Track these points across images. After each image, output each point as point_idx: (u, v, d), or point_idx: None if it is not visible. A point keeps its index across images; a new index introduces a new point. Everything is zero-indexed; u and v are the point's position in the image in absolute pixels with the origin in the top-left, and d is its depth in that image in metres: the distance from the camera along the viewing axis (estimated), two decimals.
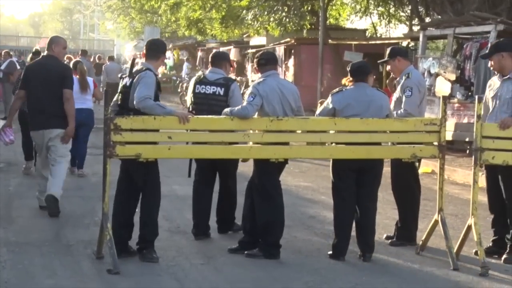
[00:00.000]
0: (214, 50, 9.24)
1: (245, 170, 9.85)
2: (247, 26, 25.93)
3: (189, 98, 8.51)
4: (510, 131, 7.47)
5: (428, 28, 18.48)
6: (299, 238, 8.53)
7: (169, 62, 39.78)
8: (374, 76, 8.05)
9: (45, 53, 9.91)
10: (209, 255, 7.63)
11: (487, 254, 7.55)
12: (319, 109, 7.90)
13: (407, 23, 27.41)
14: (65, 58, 13.00)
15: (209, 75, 8.41)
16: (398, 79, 8.46)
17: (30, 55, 13.62)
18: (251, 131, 7.47)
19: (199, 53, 36.39)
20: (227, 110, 7.51)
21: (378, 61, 9.00)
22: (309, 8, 23.90)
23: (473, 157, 7.54)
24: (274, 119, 7.35)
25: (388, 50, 8.61)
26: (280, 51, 25.32)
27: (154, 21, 42.88)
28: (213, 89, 8.24)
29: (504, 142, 7.50)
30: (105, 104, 7.10)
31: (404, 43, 23.39)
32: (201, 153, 7.64)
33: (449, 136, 14.97)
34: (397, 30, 30.51)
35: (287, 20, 22.78)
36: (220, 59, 8.59)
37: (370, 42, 23.10)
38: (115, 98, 7.50)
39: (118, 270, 6.83)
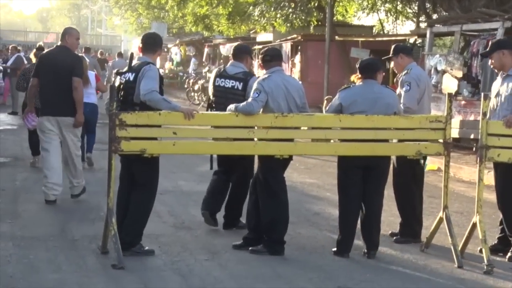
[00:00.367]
0: (236, 43, 9.22)
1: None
2: (253, 22, 25.93)
3: (210, 90, 8.55)
4: None
5: (435, 25, 18.44)
6: (304, 234, 8.53)
7: (176, 57, 39.79)
8: (384, 73, 8.02)
9: (59, 43, 10.10)
10: (214, 251, 7.63)
11: (492, 252, 7.53)
12: (326, 106, 7.90)
13: (414, 20, 27.36)
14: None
15: (229, 68, 8.47)
16: (399, 75, 8.47)
17: (34, 50, 13.65)
18: (256, 128, 7.46)
19: (206, 49, 36.38)
20: (231, 106, 7.51)
21: (383, 58, 9.00)
22: (316, 5, 23.86)
23: (478, 154, 7.53)
24: (279, 116, 7.35)
25: (392, 47, 8.61)
26: (286, 47, 25.30)
27: (161, 17, 42.89)
28: (232, 83, 8.30)
29: (510, 140, 7.48)
30: (111, 99, 7.11)
31: (411, 40, 23.36)
32: (206, 149, 7.65)
33: (455, 133, 14.84)
34: (404, 27, 30.45)
35: (294, 16, 22.74)
36: (242, 53, 8.59)
37: (377, 39, 23.06)
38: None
39: (122, 265, 6.85)
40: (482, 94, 7.61)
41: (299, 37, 24.04)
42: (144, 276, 6.76)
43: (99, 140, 13.30)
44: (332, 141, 7.63)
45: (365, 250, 7.65)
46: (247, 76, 8.29)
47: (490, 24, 15.96)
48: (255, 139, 7.47)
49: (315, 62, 23.53)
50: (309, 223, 9.15)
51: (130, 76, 7.35)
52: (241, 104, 7.42)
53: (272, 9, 23.07)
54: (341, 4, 28.54)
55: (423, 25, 24.39)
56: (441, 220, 7.69)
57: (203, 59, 36.48)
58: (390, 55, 8.56)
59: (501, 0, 19.32)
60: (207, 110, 8.54)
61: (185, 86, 30.95)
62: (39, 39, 76.76)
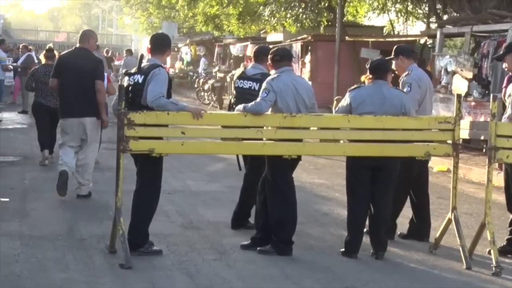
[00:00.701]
0: (258, 45, 9.29)
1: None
2: (264, 22, 25.93)
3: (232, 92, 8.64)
4: None
5: (446, 26, 18.40)
6: (312, 235, 8.52)
7: (187, 57, 39.82)
8: (393, 75, 8.01)
9: (78, 45, 10.25)
10: (222, 251, 7.63)
11: (500, 254, 7.51)
12: (336, 107, 7.88)
13: (425, 20, 27.29)
14: None
15: (249, 70, 8.58)
16: (400, 77, 8.48)
17: (44, 52, 13.73)
18: (264, 128, 7.46)
19: (216, 49, 36.41)
20: (240, 106, 7.51)
21: (385, 58, 8.99)
22: (326, 5, 23.84)
23: (487, 156, 7.50)
24: (288, 116, 7.34)
25: (393, 49, 8.63)
26: (296, 47, 25.27)
27: (171, 17, 42.97)
28: (250, 84, 8.40)
29: None
30: (119, 98, 7.11)
31: (422, 41, 23.33)
32: (214, 149, 7.65)
33: (465, 134, 14.91)
34: (415, 28, 30.40)
35: (304, 16, 22.72)
36: (262, 55, 8.60)
37: (387, 40, 23.01)
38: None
39: (130, 265, 6.85)
40: (492, 95, 7.58)
41: (309, 37, 24.01)
42: (151, 275, 6.76)
43: (108, 140, 13.32)
44: (341, 141, 7.62)
45: (373, 251, 7.63)
46: (264, 77, 8.29)
47: (500, 25, 15.92)
48: (264, 139, 7.46)
49: (325, 62, 23.49)
50: (318, 223, 9.13)
51: (139, 78, 7.32)
52: (250, 104, 7.41)
53: (282, 9, 23.06)
54: (351, 4, 28.50)
55: (433, 26, 24.30)
56: (449, 221, 7.66)
57: (214, 59, 36.50)
58: (393, 56, 8.55)
59: None
60: (228, 111, 8.65)
61: (195, 85, 30.97)
62: (50, 38, 77.05)
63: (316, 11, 22.69)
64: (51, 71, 12.31)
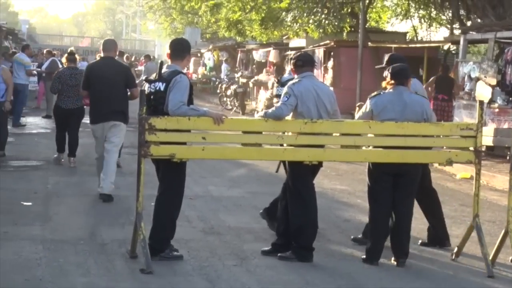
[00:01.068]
0: (299, 53, 9.33)
1: (281, 172, 9.84)
2: (286, 27, 25.91)
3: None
4: None
5: (469, 32, 18.30)
6: (333, 241, 8.50)
7: (209, 63, 39.89)
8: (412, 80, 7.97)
9: (102, 54, 10.75)
10: (242, 257, 7.63)
11: None
12: (357, 113, 7.86)
13: (448, 26, 27.17)
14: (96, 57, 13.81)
15: (285, 76, 8.68)
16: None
17: (66, 55, 13.98)
18: (285, 133, 7.45)
19: (239, 54, 36.45)
20: (261, 112, 7.52)
21: (376, 67, 8.97)
22: (349, 11, 23.80)
23: (510, 162, 7.45)
24: (308, 122, 7.33)
25: (386, 57, 8.61)
26: (319, 53, 25.25)
27: (194, 22, 43.07)
28: (281, 90, 8.43)
29: None
30: (140, 103, 7.13)
31: (445, 47, 23.22)
32: (235, 154, 7.65)
33: (489, 141, 14.82)
34: (438, 34, 30.25)
35: (327, 22, 22.67)
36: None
37: (410, 45, 22.92)
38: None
39: (151, 270, 6.86)
40: None
41: (332, 43, 23.98)
42: (172, 281, 6.77)
43: (130, 144, 13.38)
44: (363, 147, 7.59)
45: (395, 258, 7.59)
46: None
47: None
48: (284, 145, 7.46)
49: (347, 68, 23.44)
50: (339, 230, 9.11)
51: (161, 86, 7.32)
52: (270, 110, 7.42)
53: (305, 15, 23.01)
54: (374, 10, 28.43)
55: (457, 32, 24.21)
56: (472, 228, 7.61)
57: (236, 64, 36.55)
58: (384, 65, 8.51)
59: None
60: None
61: (218, 91, 31.04)
62: (74, 43, 77.63)
63: (339, 17, 22.62)
64: (75, 73, 12.92)
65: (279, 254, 7.58)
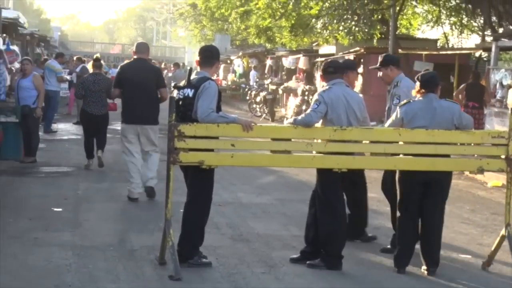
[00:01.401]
0: (345, 59, 9.33)
1: (310, 179, 9.82)
2: (316, 34, 25.86)
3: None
4: None
5: (501, 39, 18.13)
6: (362, 249, 8.44)
7: (239, 69, 39.96)
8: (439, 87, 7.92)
9: (135, 56, 10.94)
10: (271, 264, 7.60)
11: None
12: (387, 121, 7.82)
13: (480, 33, 26.95)
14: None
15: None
16: (389, 88, 8.48)
17: (92, 61, 14.23)
18: (314, 140, 7.43)
19: (268, 61, 36.46)
20: (290, 119, 7.51)
21: (370, 67, 8.93)
22: (379, 17, 23.69)
23: None
24: (338, 129, 7.30)
25: (380, 58, 8.61)
26: None
27: (224, 29, 43.18)
28: None
29: None
30: (170, 110, 7.14)
31: (477, 54, 23.03)
32: (264, 161, 7.63)
33: None
34: (469, 41, 30.01)
35: (357, 29, 22.58)
36: (343, 69, 8.66)
37: (441, 52, 22.77)
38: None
39: (179, 277, 6.85)
40: None
41: (362, 50, 23.89)
42: None
43: (159, 150, 13.39)
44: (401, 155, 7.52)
45: (425, 267, 7.53)
46: None
47: None
48: (313, 152, 7.43)
49: (377, 75, 23.31)
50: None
51: (189, 92, 7.35)
52: (300, 116, 7.40)
53: (335, 21, 22.94)
54: (405, 17, 28.28)
55: (488, 39, 23.99)
56: (503, 238, 7.53)
57: (265, 71, 36.56)
58: (379, 66, 8.48)
59: None
60: None
61: (247, 98, 31.06)
62: (106, 50, 78.16)
63: (369, 23, 22.50)
64: (99, 79, 13.33)
65: (308, 262, 7.55)
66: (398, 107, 7.67)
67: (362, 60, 24.41)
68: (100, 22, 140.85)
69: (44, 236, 8.36)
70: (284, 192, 12.03)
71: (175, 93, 7.48)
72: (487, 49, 20.14)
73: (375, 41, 23.75)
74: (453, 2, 24.81)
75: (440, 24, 28.19)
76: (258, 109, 28.45)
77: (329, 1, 22.86)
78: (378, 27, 23.25)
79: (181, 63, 45.08)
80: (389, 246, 8.27)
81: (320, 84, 25.48)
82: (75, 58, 24.77)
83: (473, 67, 22.09)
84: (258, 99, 28.42)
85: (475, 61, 23.60)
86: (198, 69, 7.60)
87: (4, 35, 17.92)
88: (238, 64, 40.47)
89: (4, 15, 19.70)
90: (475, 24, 27.00)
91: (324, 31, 24.17)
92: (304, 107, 22.83)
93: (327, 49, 27.93)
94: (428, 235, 7.57)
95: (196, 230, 7.39)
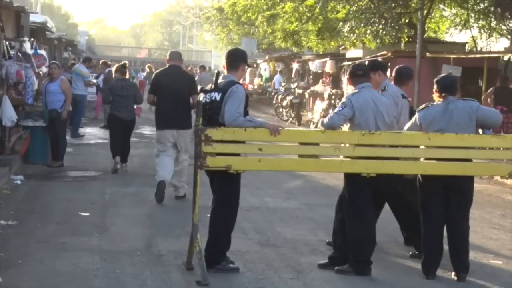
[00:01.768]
0: (398, 66, 9.30)
1: (338, 183, 9.74)
2: (343, 38, 25.73)
3: None
4: None
5: None
6: (391, 254, 8.37)
7: (265, 73, 39.91)
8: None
9: (169, 63, 11.27)
10: (299, 270, 7.54)
11: None
12: (406, 125, 7.74)
13: (509, 37, 26.68)
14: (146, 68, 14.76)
15: (391, 84, 8.65)
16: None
17: (117, 66, 14.37)
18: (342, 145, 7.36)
19: (295, 65, 36.39)
20: (319, 123, 7.46)
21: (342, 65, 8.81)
22: (407, 21, 23.53)
23: None
24: (366, 133, 7.23)
25: (368, 63, 8.61)
26: None
27: (251, 33, 43.12)
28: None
29: None
30: (197, 114, 7.11)
31: (505, 57, 22.80)
32: (291, 166, 7.56)
33: None
34: (498, 44, 29.70)
35: (384, 32, 22.45)
36: (403, 77, 8.76)
37: (469, 56, 22.58)
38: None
39: (207, 282, 6.81)
40: None
41: (389, 54, 23.75)
42: None
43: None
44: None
45: (455, 273, 7.43)
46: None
47: None
48: (341, 156, 7.36)
49: None
50: (397, 242, 8.94)
51: (217, 95, 7.31)
52: (325, 119, 7.36)
53: (362, 25, 22.81)
54: (433, 20, 28.07)
55: None
56: None
57: (292, 75, 36.48)
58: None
59: None
60: None
61: (274, 102, 31.00)
62: (132, 54, 78.50)
63: (397, 27, 22.37)
64: (127, 85, 13.71)
65: (336, 268, 7.48)
66: (416, 112, 7.62)
67: (389, 64, 24.27)
68: (127, 26, 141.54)
69: (72, 241, 8.36)
70: (311, 196, 11.96)
71: (201, 96, 7.44)
72: None
73: (402, 44, 23.61)
74: (482, 6, 24.56)
75: (468, 28, 27.94)
76: (284, 113, 28.39)
77: (356, 5, 22.75)
78: (406, 30, 23.10)
79: (207, 67, 45.17)
80: (417, 252, 8.17)
81: (347, 88, 25.42)
82: (100, 62, 24.89)
83: (502, 71, 21.87)
84: (284, 103, 28.35)
85: (504, 64, 23.36)
86: (225, 72, 7.56)
87: (32, 39, 18.02)
88: (265, 68, 40.42)
89: (32, 20, 19.82)
90: (504, 27, 26.74)
91: (351, 34, 24.04)
92: (330, 111, 22.72)
93: (354, 52, 27.81)
94: (455, 242, 7.48)
95: (223, 235, 7.34)
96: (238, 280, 7.12)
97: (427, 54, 22.68)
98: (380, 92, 8.23)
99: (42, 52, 18.72)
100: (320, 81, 29.61)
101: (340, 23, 24.84)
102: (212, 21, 48.53)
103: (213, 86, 7.40)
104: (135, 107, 13.98)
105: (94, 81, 22.35)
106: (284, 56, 38.13)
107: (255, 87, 39.25)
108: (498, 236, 9.59)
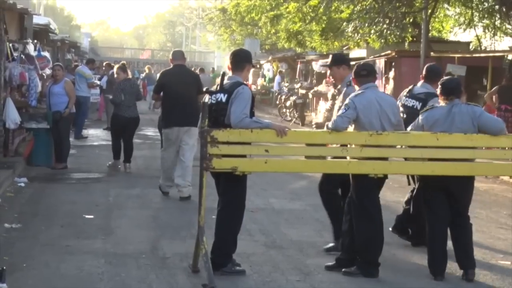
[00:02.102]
0: (428, 64, 9.22)
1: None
2: (347, 38, 25.67)
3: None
4: None
5: None
6: (399, 256, 8.29)
7: (269, 74, 39.85)
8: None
9: (173, 63, 11.47)
10: (306, 272, 7.47)
11: None
12: (409, 127, 7.67)
13: None
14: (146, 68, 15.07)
15: (416, 88, 8.63)
16: (339, 87, 8.40)
17: (119, 66, 14.49)
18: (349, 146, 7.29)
19: (299, 65, 36.34)
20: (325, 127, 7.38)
21: (321, 65, 8.81)
22: (411, 20, 23.47)
23: None
24: (374, 134, 7.15)
25: (332, 57, 8.53)
26: (380, 63, 24.97)
27: (254, 33, 43.09)
28: (413, 102, 8.42)
29: None
30: (203, 116, 7.05)
31: (510, 56, 22.73)
32: (298, 167, 7.48)
33: None
34: (503, 43, 29.60)
35: (388, 32, 22.38)
36: (433, 74, 8.67)
37: (473, 55, 22.51)
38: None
39: (213, 285, 6.73)
40: None
41: (393, 53, 23.69)
42: None
43: None
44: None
45: (463, 271, 7.40)
46: (428, 98, 8.33)
47: None
48: (348, 157, 7.29)
49: (409, 78, 23.09)
50: (404, 243, 8.85)
51: (222, 97, 7.23)
52: (330, 122, 7.27)
53: (366, 25, 22.76)
54: (437, 20, 27.99)
55: None
56: None
57: (296, 75, 36.42)
58: (330, 64, 8.38)
59: None
60: None
61: (277, 102, 30.94)
62: (135, 55, 78.59)
63: (401, 26, 22.30)
64: (132, 83, 14.11)
65: (343, 269, 7.41)
66: (420, 113, 7.55)
67: (393, 64, 24.21)
68: (130, 27, 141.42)
69: (76, 244, 8.30)
70: (317, 197, 11.72)
71: (207, 98, 7.37)
72: None
73: (406, 44, 23.56)
74: (486, 4, 24.48)
75: (473, 27, 27.86)
76: (288, 114, 28.33)
77: (360, 5, 22.69)
78: (410, 30, 23.04)
79: (210, 67, 45.08)
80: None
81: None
82: (104, 64, 24.84)
83: (507, 70, 21.79)
84: (288, 103, 28.30)
85: (509, 63, 23.29)
86: (230, 73, 7.49)
87: (36, 41, 17.96)
88: (268, 69, 40.35)
89: (35, 22, 19.77)
90: (508, 26, 26.65)
91: (355, 34, 23.97)
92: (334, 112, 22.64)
93: (357, 52, 27.75)
94: (461, 240, 7.45)
95: (229, 237, 7.27)
96: (244, 282, 7.05)
97: (432, 53, 22.61)
98: (345, 87, 8.16)
99: (46, 54, 18.67)
100: (324, 81, 29.54)
101: (344, 23, 24.79)
102: (215, 22, 48.50)
103: (218, 87, 7.32)
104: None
105: (98, 82, 22.29)
106: (288, 56, 38.08)
107: (258, 87, 39.20)
108: (506, 236, 9.51)
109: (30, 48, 16.35)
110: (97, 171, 13.81)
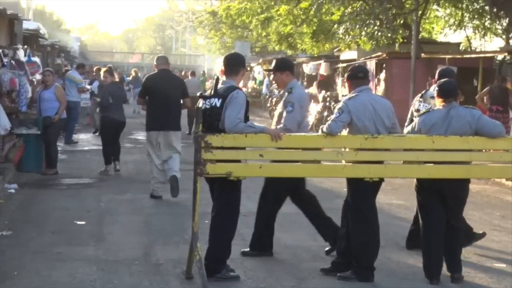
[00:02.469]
0: (440, 67, 9.20)
1: (335, 186, 9.61)
2: (338, 40, 25.65)
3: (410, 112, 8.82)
4: None
5: None
6: (393, 259, 8.23)
7: (259, 76, 39.82)
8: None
9: (158, 68, 11.66)
10: (300, 277, 7.40)
11: None
12: (406, 129, 7.61)
13: (503, 36, 26.65)
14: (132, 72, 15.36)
15: (429, 92, 8.66)
16: (281, 92, 8.36)
17: (106, 69, 14.67)
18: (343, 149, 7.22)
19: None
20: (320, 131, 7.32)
21: (265, 69, 8.78)
22: (401, 22, 23.49)
23: None
24: (369, 137, 7.08)
25: (275, 62, 8.47)
26: (371, 65, 24.96)
27: (244, 36, 43.06)
28: (426, 106, 8.44)
29: None
30: (197, 121, 6.98)
31: (500, 57, 22.75)
32: (293, 171, 7.40)
33: None
34: (492, 44, 29.67)
35: (379, 34, 22.38)
36: (444, 76, 8.51)
37: (464, 56, 22.52)
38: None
39: None
40: None
41: (384, 55, 23.69)
42: None
43: (182, 161, 13.24)
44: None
45: (450, 274, 7.38)
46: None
47: None
48: (343, 161, 7.22)
49: (400, 80, 23.12)
50: (398, 247, 8.82)
51: (217, 102, 7.17)
52: (324, 127, 7.19)
53: (357, 27, 22.75)
54: (427, 21, 28.01)
55: None
56: None
57: None
58: (275, 70, 8.31)
59: None
60: None
61: (268, 105, 30.88)
62: (125, 59, 78.47)
63: (392, 28, 22.30)
64: (120, 88, 14.44)
65: (338, 274, 7.34)
66: (417, 117, 7.48)
67: (384, 65, 24.21)
68: (119, 31, 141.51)
69: (68, 251, 8.20)
70: None
71: (201, 103, 7.29)
72: (511, 52, 19.88)
73: (397, 45, 23.55)
74: (477, 5, 24.51)
75: (463, 28, 27.91)
76: None
77: (351, 7, 22.67)
78: (401, 31, 23.05)
79: (201, 71, 44.99)
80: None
81: (341, 90, 25.29)
82: (94, 68, 24.75)
83: (497, 70, 21.82)
84: (279, 106, 28.22)
85: (499, 64, 23.32)
86: (224, 78, 7.42)
87: (26, 46, 17.87)
88: (259, 71, 40.32)
89: (25, 27, 19.70)
90: (498, 27, 26.71)
91: (346, 36, 23.95)
92: (325, 113, 22.64)
93: (348, 54, 27.75)
94: (451, 243, 7.40)
95: (223, 243, 7.20)
96: None
97: (422, 54, 22.62)
98: (286, 94, 8.11)
99: (36, 59, 18.59)
100: (314, 83, 29.55)
101: (335, 25, 24.77)
102: (205, 25, 48.43)
103: (212, 92, 7.24)
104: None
105: (88, 87, 22.19)
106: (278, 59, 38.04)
107: (249, 90, 39.16)
108: (499, 238, 9.48)
109: (20, 54, 16.29)
110: (88, 177, 13.72)
